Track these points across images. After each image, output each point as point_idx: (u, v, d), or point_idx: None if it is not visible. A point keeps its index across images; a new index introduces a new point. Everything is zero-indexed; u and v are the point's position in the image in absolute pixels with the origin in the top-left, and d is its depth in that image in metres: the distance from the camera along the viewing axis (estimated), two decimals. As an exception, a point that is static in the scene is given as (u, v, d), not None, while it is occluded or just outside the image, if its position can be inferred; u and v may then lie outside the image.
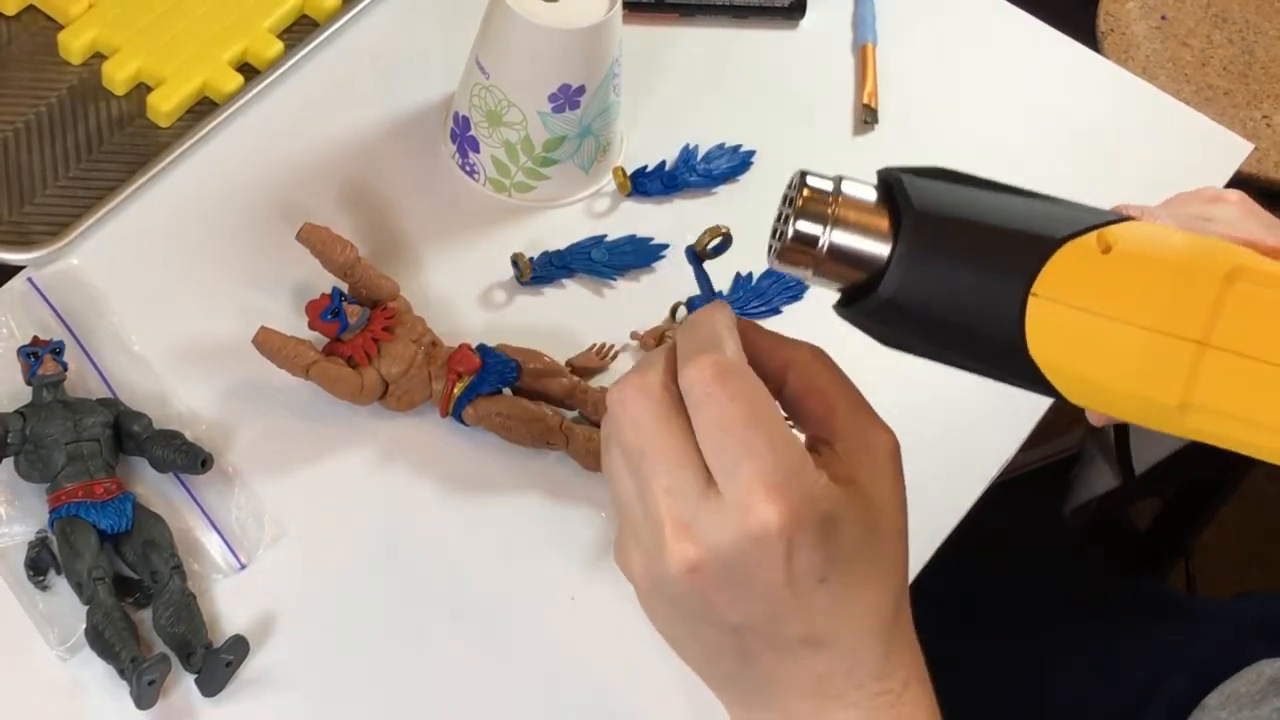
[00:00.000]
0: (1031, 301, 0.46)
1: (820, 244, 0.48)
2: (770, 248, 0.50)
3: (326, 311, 0.74)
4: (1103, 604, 0.97)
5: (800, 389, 0.52)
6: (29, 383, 0.71)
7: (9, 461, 0.70)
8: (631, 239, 0.84)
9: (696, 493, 0.47)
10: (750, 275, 0.83)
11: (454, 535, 0.73)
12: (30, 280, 0.77)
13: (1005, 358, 0.48)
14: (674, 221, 0.85)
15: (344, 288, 0.76)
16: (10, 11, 0.87)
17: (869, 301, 0.48)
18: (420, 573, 0.72)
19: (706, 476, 0.47)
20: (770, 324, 0.83)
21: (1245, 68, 1.16)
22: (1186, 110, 0.97)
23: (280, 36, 0.87)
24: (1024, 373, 0.48)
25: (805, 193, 0.48)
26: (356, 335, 0.74)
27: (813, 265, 0.49)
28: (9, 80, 0.84)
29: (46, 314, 0.76)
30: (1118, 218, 0.47)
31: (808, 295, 0.84)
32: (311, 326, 0.75)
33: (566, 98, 0.79)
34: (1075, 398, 0.48)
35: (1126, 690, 0.89)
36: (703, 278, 0.54)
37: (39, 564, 0.68)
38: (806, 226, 0.48)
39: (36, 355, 0.71)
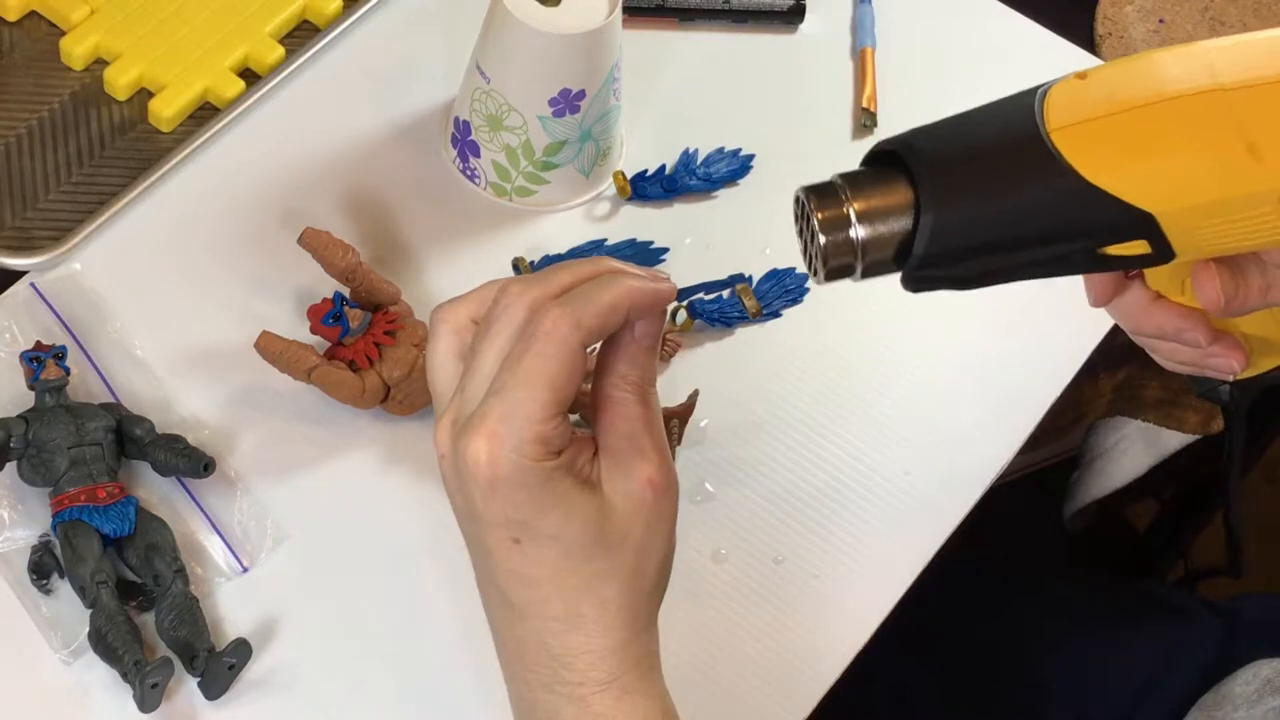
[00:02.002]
0: (1056, 137, 0.46)
1: (856, 247, 0.47)
2: (811, 271, 0.49)
3: (328, 316, 0.74)
4: (1101, 605, 0.97)
5: (603, 396, 0.54)
6: (32, 387, 0.72)
7: (12, 466, 0.70)
8: (632, 243, 0.84)
9: (475, 395, 0.51)
10: (750, 278, 0.84)
11: (455, 538, 0.73)
12: (33, 285, 0.77)
13: (1073, 209, 0.46)
14: (674, 225, 0.86)
15: (345, 292, 0.76)
16: (12, 18, 0.87)
17: (920, 244, 0.47)
18: (422, 575, 0.72)
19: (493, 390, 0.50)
20: (770, 326, 0.83)
21: (1242, 71, 1.16)
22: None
23: (281, 42, 0.88)
24: (1096, 212, 0.46)
25: (820, 215, 0.47)
26: (358, 339, 0.75)
27: (859, 268, 0.48)
28: (11, 86, 0.84)
29: (49, 319, 0.76)
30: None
31: (808, 298, 0.84)
32: (313, 331, 0.75)
33: (567, 102, 0.80)
34: (1158, 200, 0.46)
35: (1124, 691, 0.89)
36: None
37: (42, 568, 0.68)
38: (835, 242, 0.47)
39: (39, 360, 0.72)
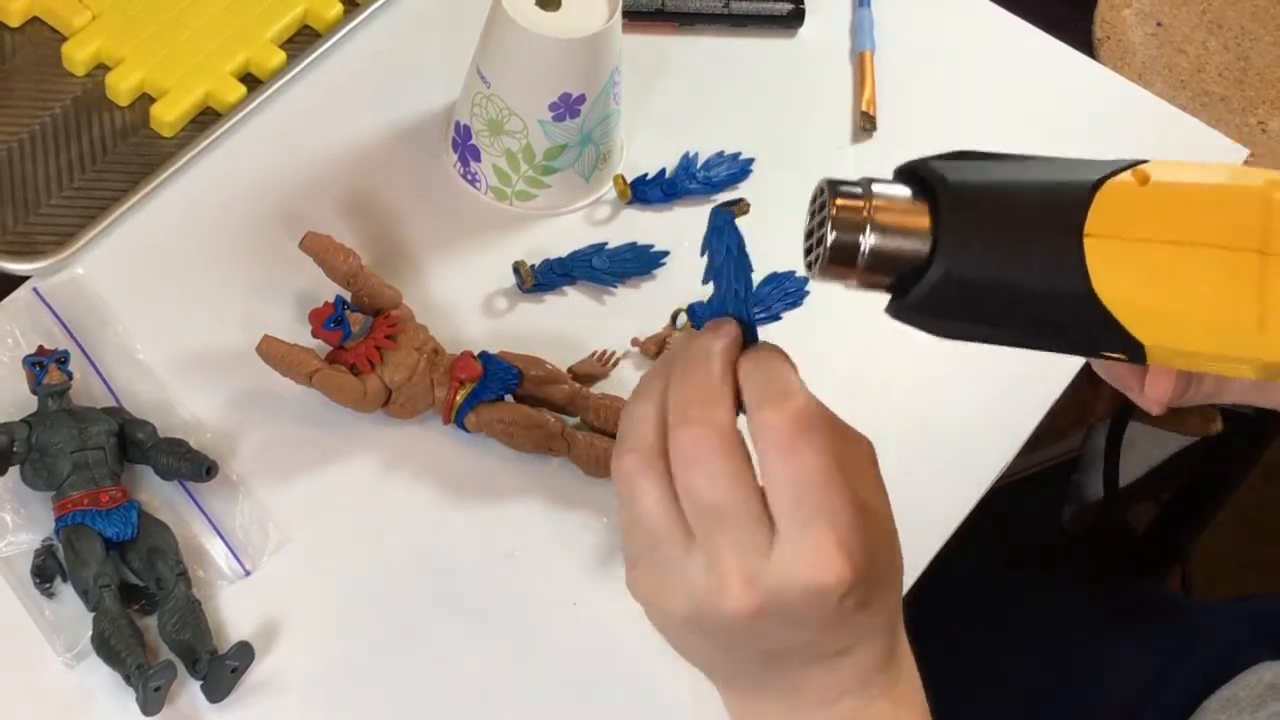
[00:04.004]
0: (1088, 243, 0.46)
1: (861, 250, 0.47)
2: (809, 263, 0.49)
3: (329, 320, 0.74)
4: (1101, 607, 0.97)
5: None
6: (34, 392, 0.72)
7: (15, 470, 0.70)
8: (632, 246, 0.84)
9: (763, 546, 0.48)
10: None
11: (456, 541, 0.74)
12: (35, 290, 0.78)
13: (1071, 310, 0.47)
14: (674, 229, 0.86)
15: (347, 296, 0.76)
16: (14, 23, 0.87)
17: (921, 288, 0.47)
18: (423, 578, 0.73)
19: (770, 526, 0.48)
20: (771, 329, 0.83)
21: (1240, 74, 1.17)
22: (1182, 116, 0.98)
23: (282, 46, 0.88)
24: (1092, 322, 0.47)
25: (838, 202, 0.47)
26: (359, 343, 0.75)
27: (856, 273, 0.48)
28: (13, 92, 0.85)
29: (51, 323, 0.76)
30: (1142, 159, 0.48)
31: (808, 301, 0.84)
32: (315, 334, 0.75)
33: (567, 106, 0.80)
34: (1153, 336, 0.47)
35: (1124, 693, 0.89)
36: (738, 243, 0.50)
37: (45, 571, 0.69)
38: (844, 236, 0.47)
39: (42, 364, 0.72)
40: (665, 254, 0.85)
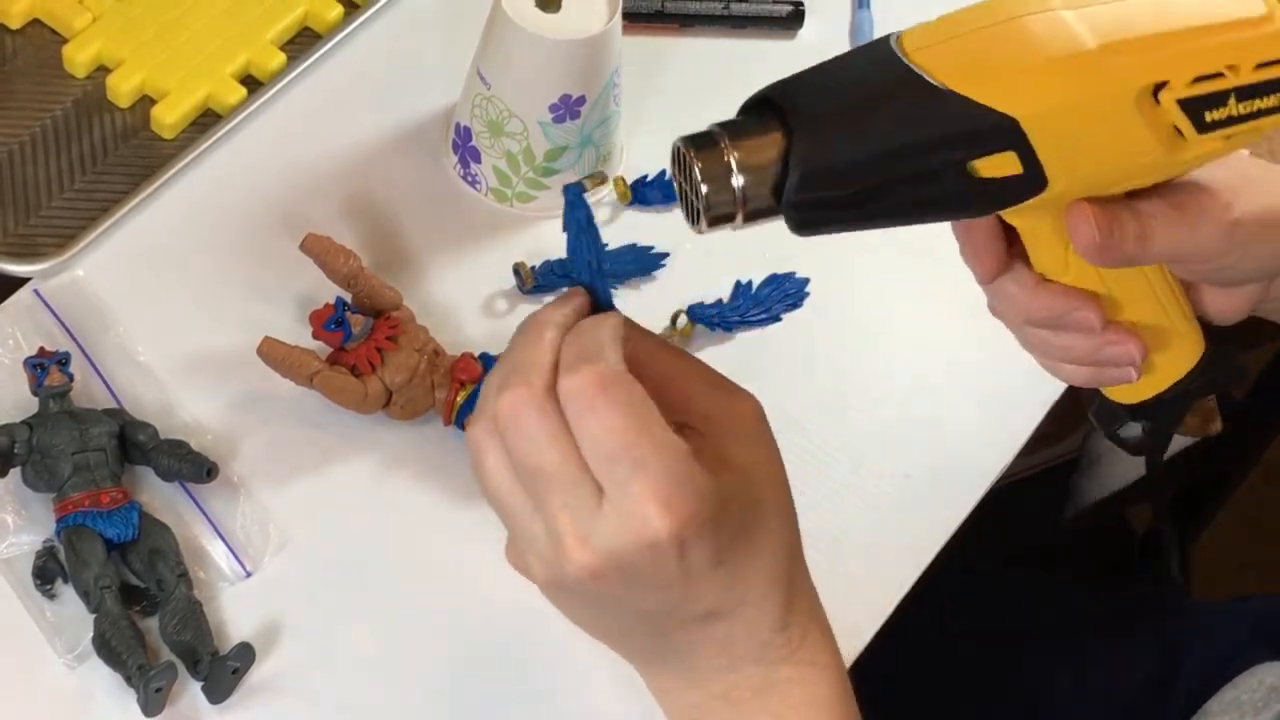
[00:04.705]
0: (914, 57, 0.48)
1: (736, 194, 0.48)
2: (692, 220, 0.50)
3: (330, 321, 0.75)
4: (1101, 608, 0.97)
5: (654, 378, 0.53)
6: (35, 393, 0.72)
7: (16, 472, 0.70)
8: (632, 247, 0.85)
9: (591, 505, 0.49)
10: (750, 283, 0.84)
11: (458, 542, 0.74)
12: (36, 292, 0.78)
13: (932, 122, 0.48)
14: (674, 230, 0.86)
15: (347, 297, 0.76)
16: (15, 25, 0.87)
17: (789, 192, 0.48)
18: (424, 580, 0.73)
19: (598, 486, 0.49)
20: (770, 331, 0.83)
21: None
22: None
23: (283, 48, 0.88)
24: (956, 124, 0.47)
25: (699, 156, 0.48)
26: (360, 345, 0.75)
27: (739, 217, 0.49)
28: (14, 94, 0.85)
29: (52, 325, 0.77)
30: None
31: (808, 302, 0.84)
32: (315, 336, 0.75)
33: (567, 108, 0.80)
34: (1014, 100, 0.47)
35: (1125, 694, 0.89)
36: (587, 216, 0.53)
37: (46, 573, 0.69)
38: (715, 188, 0.48)
39: (43, 366, 0.72)
40: (665, 255, 0.85)
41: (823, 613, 0.56)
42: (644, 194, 0.86)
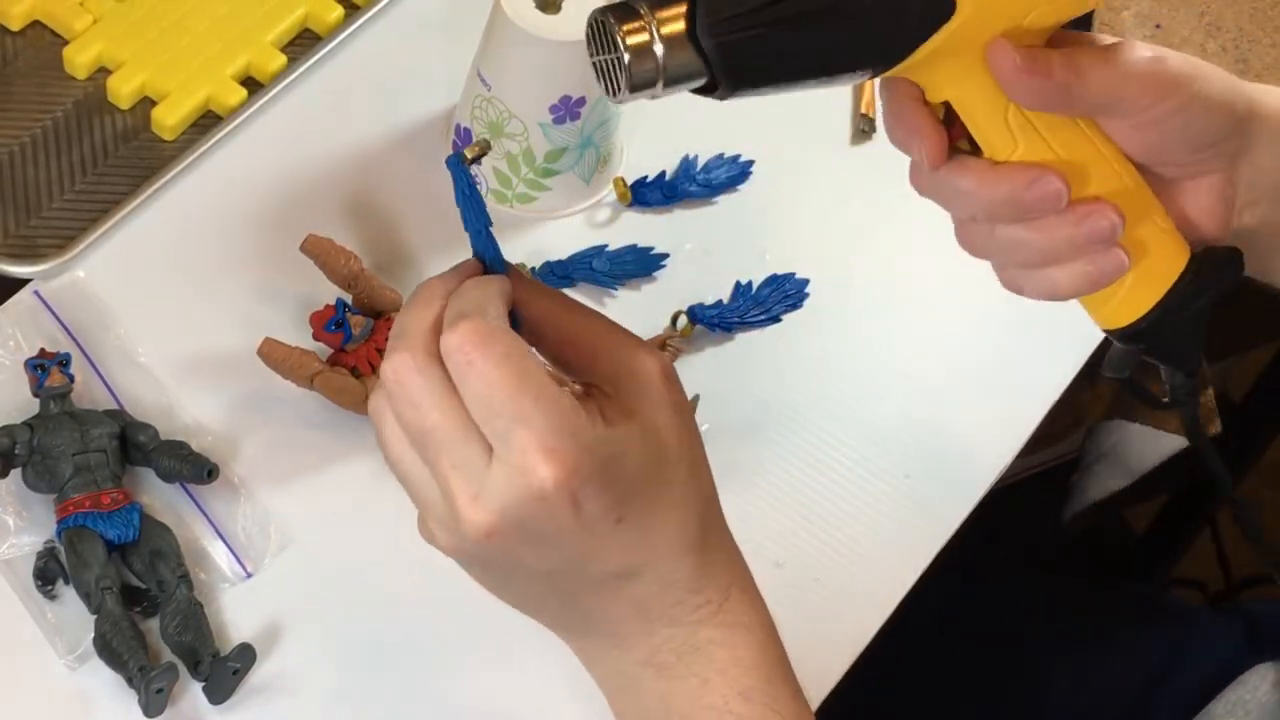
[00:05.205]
0: None
1: (659, 63, 0.49)
2: (611, 92, 0.50)
3: (330, 322, 0.75)
4: (1101, 609, 0.97)
5: (557, 340, 0.53)
6: (36, 395, 0.72)
7: (17, 473, 0.70)
8: (632, 249, 0.85)
9: (480, 463, 0.49)
10: (750, 284, 0.84)
11: (458, 543, 0.74)
12: (37, 293, 0.78)
13: None
14: (674, 231, 0.86)
15: (348, 299, 0.77)
16: (15, 27, 0.87)
17: (702, 22, 0.48)
18: (425, 580, 0.73)
19: (486, 444, 0.49)
20: (770, 331, 0.84)
21: (1239, 75, 1.17)
22: (1181, 118, 0.98)
23: (283, 50, 0.88)
24: None
25: (624, 28, 0.49)
26: (360, 346, 0.75)
27: (659, 86, 0.49)
28: (14, 95, 0.85)
29: (53, 326, 0.77)
30: None
31: (808, 303, 0.84)
32: (316, 337, 0.75)
33: (567, 109, 0.80)
34: None
35: (1124, 695, 0.89)
36: (468, 185, 0.53)
37: (47, 574, 0.69)
38: (640, 60, 0.49)
39: (43, 367, 0.72)
40: (665, 256, 0.85)
41: (746, 573, 0.55)
42: (644, 195, 0.86)
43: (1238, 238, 0.59)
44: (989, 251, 0.57)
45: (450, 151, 0.86)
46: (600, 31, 0.50)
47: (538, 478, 0.48)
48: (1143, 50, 0.54)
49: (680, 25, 0.49)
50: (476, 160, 0.54)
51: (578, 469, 0.48)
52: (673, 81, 0.50)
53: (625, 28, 0.49)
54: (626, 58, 0.49)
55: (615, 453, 0.50)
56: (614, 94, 0.50)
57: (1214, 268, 0.58)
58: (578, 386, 0.53)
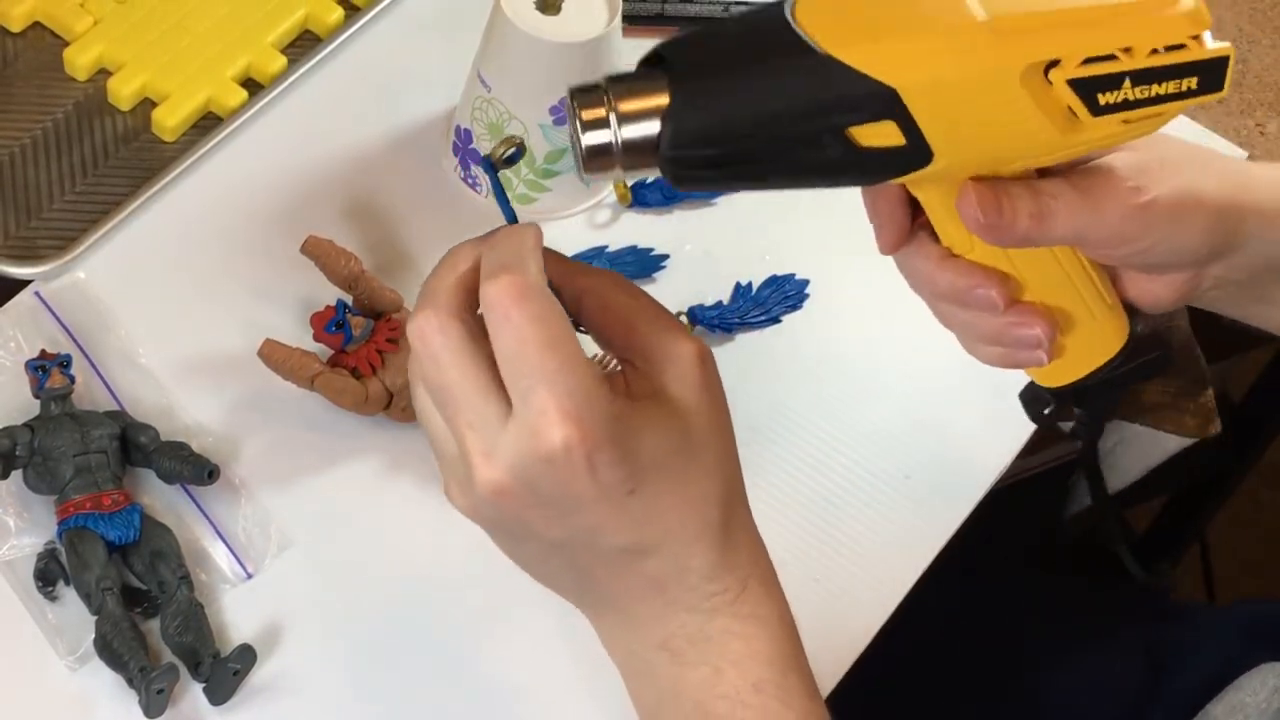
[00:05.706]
0: (799, 15, 0.48)
1: (614, 144, 0.49)
2: (578, 167, 0.50)
3: (331, 323, 0.75)
4: (1101, 609, 0.97)
5: (598, 313, 0.53)
6: (37, 396, 0.72)
7: (18, 474, 0.71)
8: (633, 249, 0.85)
9: (496, 421, 0.49)
10: (750, 285, 0.84)
11: (459, 544, 0.74)
12: (37, 294, 0.78)
13: (809, 78, 0.48)
14: (674, 232, 0.86)
15: (348, 300, 0.77)
16: (16, 28, 0.87)
17: (665, 144, 0.48)
18: (425, 581, 0.73)
19: (506, 403, 0.49)
20: (770, 332, 0.84)
21: (1239, 76, 1.17)
22: (1180, 118, 0.98)
23: (283, 51, 0.88)
24: (835, 90, 0.47)
25: (581, 110, 0.49)
26: (361, 347, 0.75)
27: (617, 164, 0.49)
28: (15, 96, 0.85)
29: (54, 328, 0.77)
30: None
31: (807, 304, 0.84)
32: (316, 338, 0.75)
33: (567, 110, 0.80)
34: (894, 73, 0.47)
35: (1124, 695, 0.90)
36: (499, 188, 0.55)
37: (48, 575, 0.69)
38: (595, 137, 0.49)
39: (44, 369, 0.72)
40: (665, 257, 0.85)
41: (769, 567, 0.55)
42: (644, 196, 0.87)
43: (1198, 299, 0.60)
44: (926, 301, 0.60)
45: (449, 151, 0.86)
46: (571, 112, 0.50)
47: (550, 439, 0.48)
48: (1126, 181, 0.53)
49: (648, 133, 0.49)
50: (509, 159, 0.54)
51: (592, 435, 0.48)
52: (633, 170, 0.50)
53: (586, 115, 0.49)
54: (584, 151, 0.49)
55: (634, 425, 0.50)
56: (579, 171, 0.50)
57: (1142, 360, 0.60)
58: (614, 363, 0.53)
